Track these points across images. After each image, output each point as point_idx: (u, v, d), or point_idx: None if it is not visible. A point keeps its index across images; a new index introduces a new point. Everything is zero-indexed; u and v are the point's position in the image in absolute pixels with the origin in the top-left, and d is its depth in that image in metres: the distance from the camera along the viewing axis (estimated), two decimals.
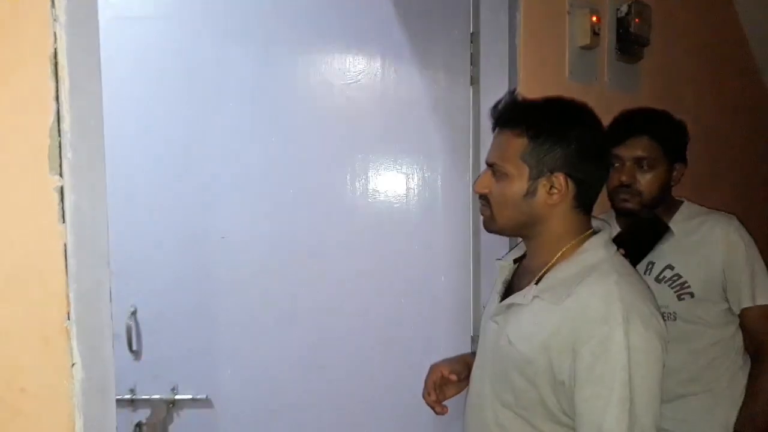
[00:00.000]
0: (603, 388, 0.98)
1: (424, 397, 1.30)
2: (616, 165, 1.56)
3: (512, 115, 1.11)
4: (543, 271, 1.10)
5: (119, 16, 1.70)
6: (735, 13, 3.01)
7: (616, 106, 1.72)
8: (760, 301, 1.55)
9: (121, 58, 1.65)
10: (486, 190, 1.13)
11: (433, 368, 1.32)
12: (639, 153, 1.54)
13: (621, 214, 1.62)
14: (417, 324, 1.79)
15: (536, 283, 1.09)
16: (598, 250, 1.09)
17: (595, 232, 1.13)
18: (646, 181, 1.54)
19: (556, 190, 1.07)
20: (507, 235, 1.21)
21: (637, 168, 1.54)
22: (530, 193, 1.08)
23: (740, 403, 1.56)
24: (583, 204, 1.11)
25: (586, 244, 1.10)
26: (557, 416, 1.05)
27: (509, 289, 1.19)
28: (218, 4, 1.75)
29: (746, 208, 2.89)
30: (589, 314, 1.01)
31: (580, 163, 1.07)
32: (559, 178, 1.07)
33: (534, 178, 1.07)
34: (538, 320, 1.06)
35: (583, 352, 1.00)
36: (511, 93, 1.16)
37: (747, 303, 1.55)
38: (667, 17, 2.32)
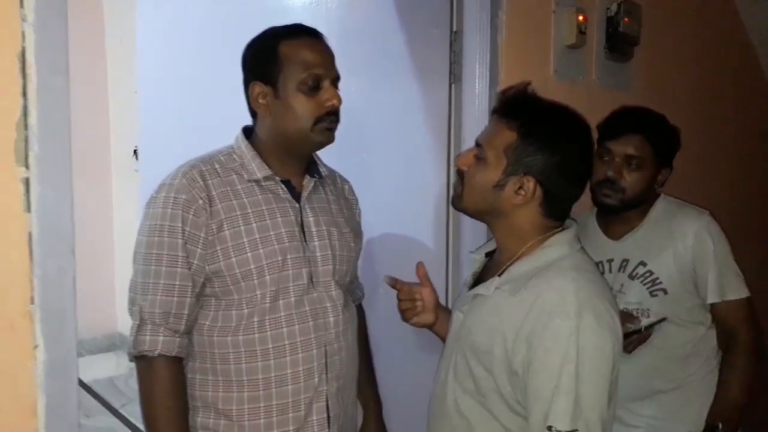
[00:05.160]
0: (551, 380, 1.00)
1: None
2: (605, 158, 1.55)
3: (514, 107, 1.12)
4: (507, 264, 1.13)
5: None
6: (736, 11, 2.99)
7: (605, 103, 1.72)
8: (729, 297, 1.54)
9: None
10: (464, 168, 1.15)
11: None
12: (631, 151, 1.53)
13: (601, 210, 1.63)
14: (390, 321, 1.80)
15: (499, 276, 1.12)
16: (561, 246, 1.11)
17: (564, 229, 1.15)
18: (632, 179, 1.54)
19: (522, 192, 1.09)
20: (471, 216, 1.23)
21: (625, 165, 1.54)
22: (499, 186, 1.10)
23: (711, 401, 1.56)
24: (550, 213, 1.12)
25: (551, 240, 1.12)
26: (513, 406, 1.07)
27: (478, 281, 1.21)
28: None
29: (740, 204, 2.88)
30: (544, 307, 1.03)
31: (556, 176, 1.09)
32: (530, 183, 1.08)
33: (508, 173, 1.09)
34: (497, 311, 1.09)
35: (535, 343, 1.02)
36: (525, 85, 1.16)
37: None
38: (660, 16, 2.32)
